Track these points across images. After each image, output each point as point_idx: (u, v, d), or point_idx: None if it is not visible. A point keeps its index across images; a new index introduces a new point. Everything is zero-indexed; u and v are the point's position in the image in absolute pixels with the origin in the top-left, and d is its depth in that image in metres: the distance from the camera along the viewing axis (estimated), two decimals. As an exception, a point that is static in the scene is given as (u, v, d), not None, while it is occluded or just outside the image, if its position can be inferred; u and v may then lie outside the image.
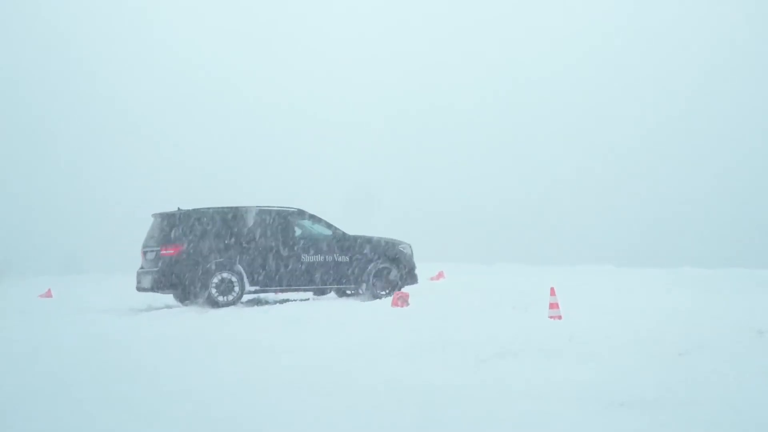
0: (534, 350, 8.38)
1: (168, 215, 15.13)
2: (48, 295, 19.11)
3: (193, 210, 15.13)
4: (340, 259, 15.60)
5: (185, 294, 14.85)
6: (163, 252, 14.75)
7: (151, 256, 15.17)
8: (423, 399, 6.51)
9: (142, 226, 16.15)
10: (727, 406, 6.03)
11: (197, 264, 14.68)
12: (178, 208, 15.18)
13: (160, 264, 14.74)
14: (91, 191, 37.59)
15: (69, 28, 41.00)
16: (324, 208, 16.67)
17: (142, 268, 15.46)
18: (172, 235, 14.80)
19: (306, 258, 15.30)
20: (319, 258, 15.39)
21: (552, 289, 11.56)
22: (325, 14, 45.58)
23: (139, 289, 15.48)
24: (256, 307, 14.29)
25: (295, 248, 15.29)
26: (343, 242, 15.68)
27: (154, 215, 15.57)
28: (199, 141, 41.28)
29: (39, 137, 39.37)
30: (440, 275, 20.33)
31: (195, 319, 12.93)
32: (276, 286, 15.24)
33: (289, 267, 15.20)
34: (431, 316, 11.46)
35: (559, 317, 10.85)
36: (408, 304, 13.14)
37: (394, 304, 13.16)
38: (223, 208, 15.31)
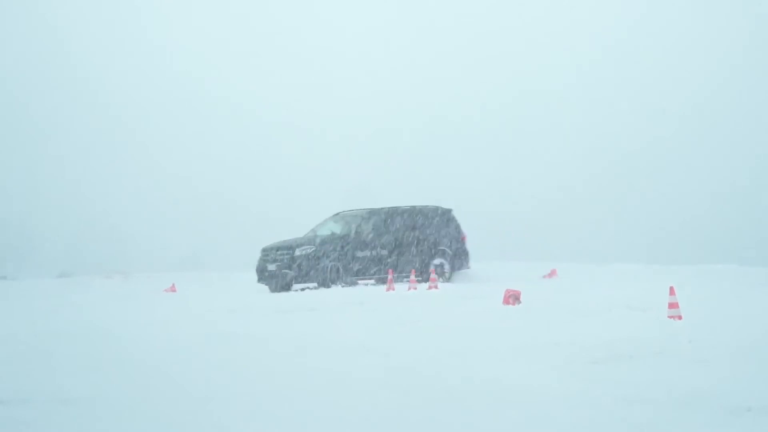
0: (650, 353, 7.91)
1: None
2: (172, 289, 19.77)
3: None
4: None
5: None
6: None
7: None
8: (520, 400, 6.17)
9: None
10: None
11: None
12: None
13: None
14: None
15: (68, 28, 41.82)
16: (323, 208, 16.84)
17: None
18: None
19: None
20: None
21: (671, 288, 11.00)
22: (323, 14, 45.37)
23: None
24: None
25: None
26: None
27: None
28: (200, 142, 41.71)
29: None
30: (553, 273, 19.88)
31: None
32: None
33: None
34: (542, 316, 11.08)
35: (679, 317, 10.31)
36: (520, 302, 12.80)
37: (506, 302, 12.83)
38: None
